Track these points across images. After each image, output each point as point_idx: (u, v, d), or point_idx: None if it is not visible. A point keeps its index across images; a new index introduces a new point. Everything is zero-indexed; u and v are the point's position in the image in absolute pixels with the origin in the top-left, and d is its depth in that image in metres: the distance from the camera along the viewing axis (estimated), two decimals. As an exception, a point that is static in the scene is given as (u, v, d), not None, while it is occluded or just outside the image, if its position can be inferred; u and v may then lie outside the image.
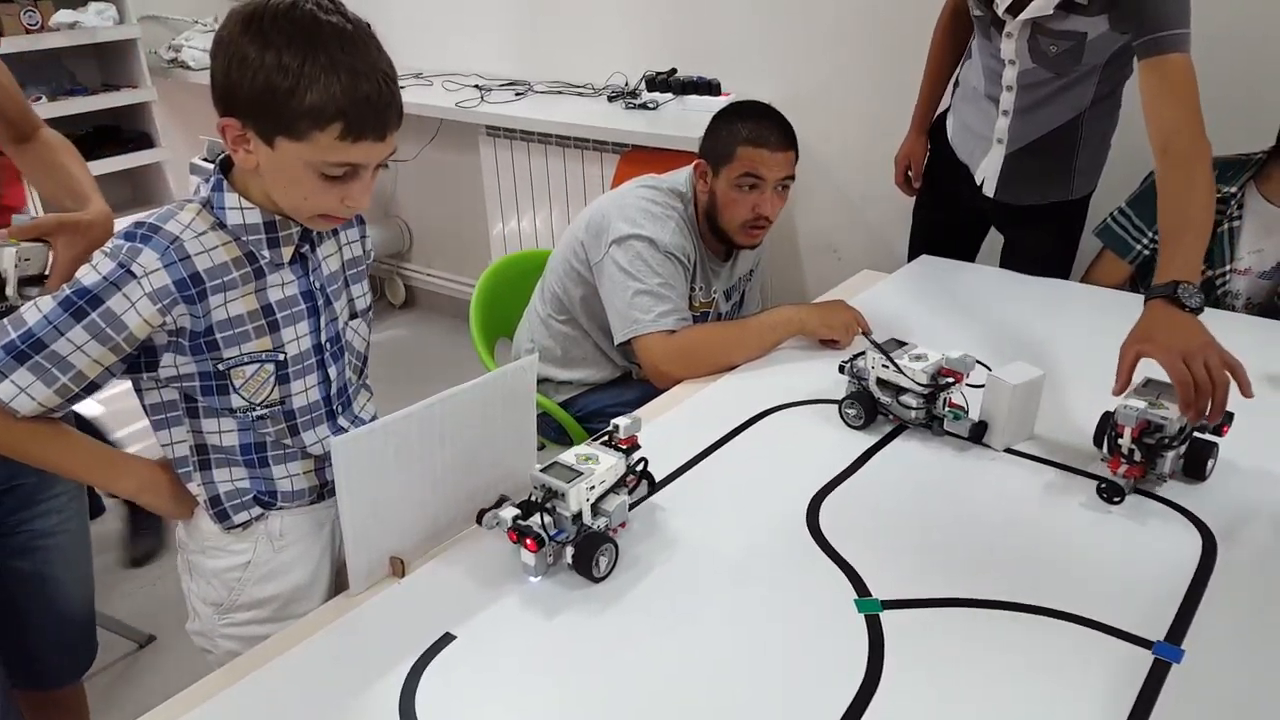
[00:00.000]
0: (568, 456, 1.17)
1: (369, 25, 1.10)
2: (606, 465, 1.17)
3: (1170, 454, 1.26)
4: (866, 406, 1.45)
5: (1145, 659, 1.01)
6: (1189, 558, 1.15)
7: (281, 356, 1.18)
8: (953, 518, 1.26)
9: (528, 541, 1.12)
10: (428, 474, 1.18)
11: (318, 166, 1.08)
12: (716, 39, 2.81)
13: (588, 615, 1.10)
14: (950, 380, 1.40)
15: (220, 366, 1.15)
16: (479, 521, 1.18)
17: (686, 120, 2.66)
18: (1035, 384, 1.38)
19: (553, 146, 3.03)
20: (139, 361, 1.13)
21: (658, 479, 1.33)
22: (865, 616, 1.08)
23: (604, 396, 1.94)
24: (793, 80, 2.70)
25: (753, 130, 1.73)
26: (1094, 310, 1.85)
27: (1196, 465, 1.28)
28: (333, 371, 1.25)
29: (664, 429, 1.49)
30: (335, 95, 1.04)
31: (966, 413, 1.41)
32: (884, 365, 1.42)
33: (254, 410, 1.18)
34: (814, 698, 0.98)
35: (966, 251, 2.21)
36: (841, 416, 1.48)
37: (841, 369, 1.49)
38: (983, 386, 1.41)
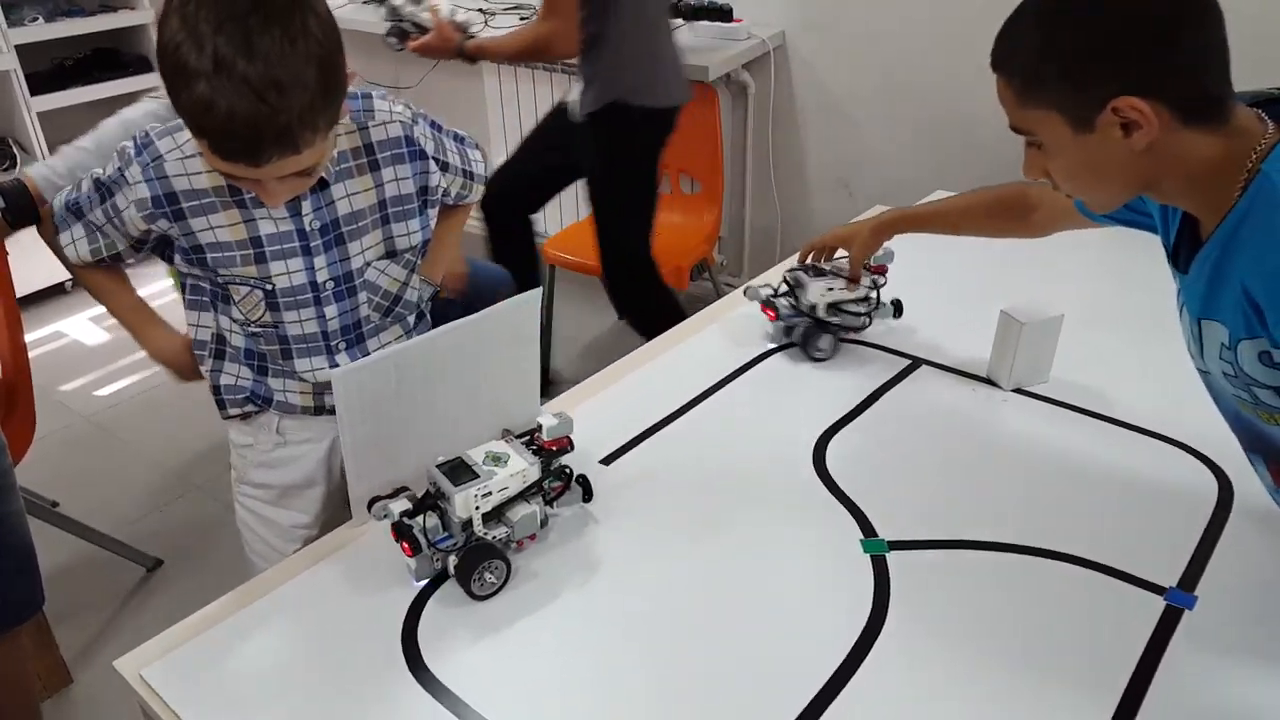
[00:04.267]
0: (477, 453, 1.06)
1: (319, 5, 0.94)
2: (514, 470, 1.04)
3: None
4: (830, 334, 1.45)
5: (1157, 605, 1.00)
6: (1204, 503, 1.14)
7: (269, 286, 1.19)
8: (963, 459, 1.24)
9: (404, 545, 1.01)
10: (430, 407, 1.16)
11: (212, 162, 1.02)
12: (729, -37, 2.72)
13: (597, 547, 1.10)
14: (883, 279, 1.48)
15: (218, 279, 1.18)
16: (368, 508, 1.09)
17: (697, 46, 2.59)
18: (1051, 324, 1.35)
19: (559, 75, 2.95)
20: (162, 251, 1.21)
21: (660, 419, 1.31)
22: (871, 557, 1.07)
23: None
24: (805, 5, 2.62)
25: None
26: (1119, 252, 1.78)
27: None
28: (331, 310, 1.23)
29: (649, 379, 1.46)
30: (200, 107, 0.92)
31: (880, 299, 1.48)
32: (829, 289, 1.43)
33: (249, 326, 1.22)
34: (819, 637, 0.97)
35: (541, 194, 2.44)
36: (810, 355, 1.45)
37: (775, 313, 1.46)
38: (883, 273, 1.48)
